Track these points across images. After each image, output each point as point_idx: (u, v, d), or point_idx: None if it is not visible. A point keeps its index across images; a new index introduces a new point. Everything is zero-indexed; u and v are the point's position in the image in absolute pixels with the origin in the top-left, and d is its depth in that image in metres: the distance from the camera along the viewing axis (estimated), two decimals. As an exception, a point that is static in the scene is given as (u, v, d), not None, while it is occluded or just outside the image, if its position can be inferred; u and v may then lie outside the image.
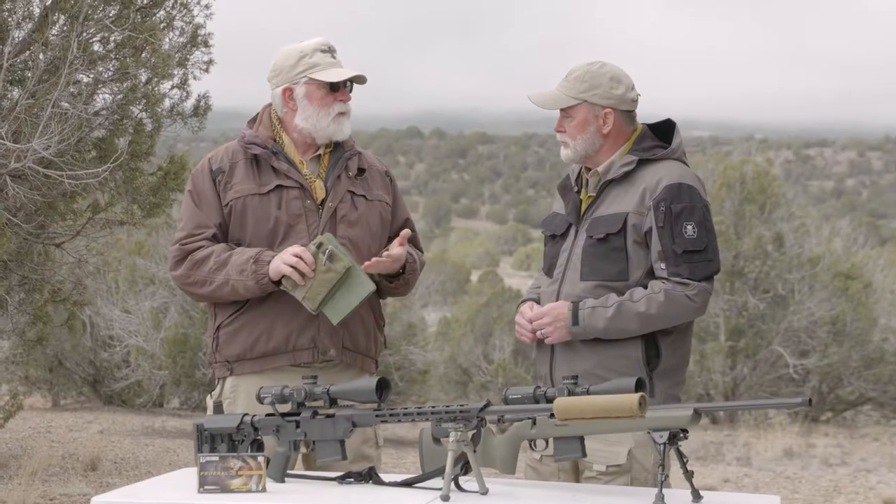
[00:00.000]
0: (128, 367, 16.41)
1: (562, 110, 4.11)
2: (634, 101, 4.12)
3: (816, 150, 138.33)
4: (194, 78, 8.12)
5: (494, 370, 17.87)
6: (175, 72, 7.89)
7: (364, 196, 4.32)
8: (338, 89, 4.28)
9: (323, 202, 4.25)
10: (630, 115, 4.13)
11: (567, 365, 3.98)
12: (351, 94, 4.34)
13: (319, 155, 4.33)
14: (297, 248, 4.08)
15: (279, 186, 4.23)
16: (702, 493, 3.28)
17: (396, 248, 4.21)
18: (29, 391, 18.33)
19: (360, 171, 4.35)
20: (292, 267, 4.04)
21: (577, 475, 3.99)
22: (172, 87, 8.04)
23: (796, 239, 18.16)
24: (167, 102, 8.06)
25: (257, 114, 4.40)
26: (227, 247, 4.19)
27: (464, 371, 19.93)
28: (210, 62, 8.18)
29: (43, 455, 11.02)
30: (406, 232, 4.27)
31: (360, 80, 4.34)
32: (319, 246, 4.07)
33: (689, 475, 3.27)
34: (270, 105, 4.38)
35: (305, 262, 4.04)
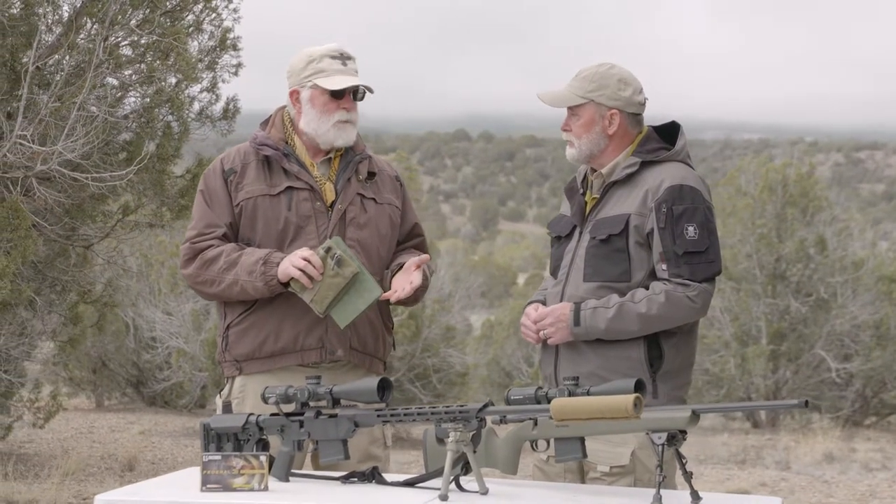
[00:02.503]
0: (169, 369, 16.53)
1: (569, 109, 4.14)
2: (641, 104, 4.14)
3: (867, 153, 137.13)
4: (223, 81, 8.19)
5: (535, 373, 17.87)
6: (204, 75, 7.96)
7: (374, 199, 4.36)
8: (341, 97, 4.29)
9: (332, 204, 4.29)
10: (636, 117, 4.15)
11: (570, 366, 4.00)
12: (357, 103, 4.34)
13: (330, 158, 4.36)
14: (305, 252, 4.10)
15: (289, 188, 4.26)
16: (701, 494, 3.29)
17: (416, 277, 4.22)
18: (74, 392, 18.53)
19: (371, 174, 4.38)
20: (301, 270, 4.07)
21: (583, 476, 4.00)
22: (202, 91, 8.12)
23: (839, 242, 18.05)
24: (196, 105, 8.14)
25: (270, 115, 4.44)
26: (237, 247, 4.23)
27: (506, 374, 19.94)
28: (239, 65, 8.25)
29: (82, 455, 11.13)
30: (426, 257, 4.29)
31: (364, 90, 4.34)
32: (328, 250, 4.09)
33: (688, 476, 3.28)
34: (284, 107, 4.42)
35: (314, 266, 4.07)
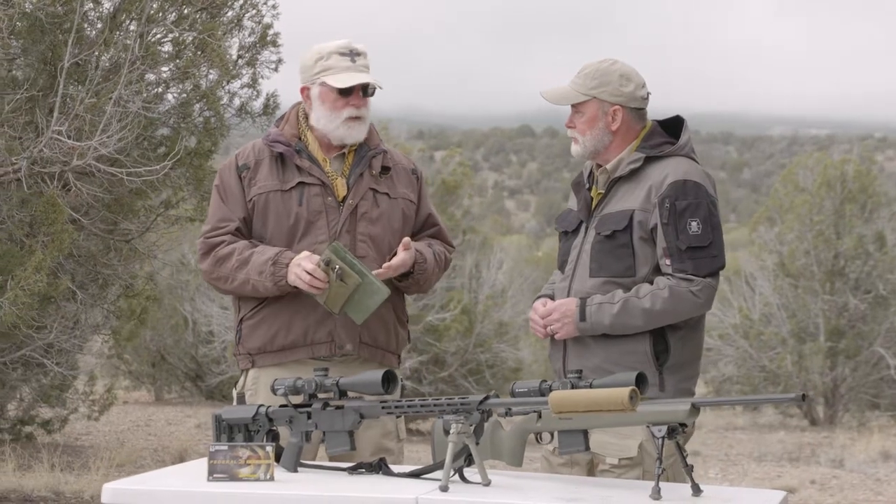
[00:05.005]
0: (225, 363, 16.69)
1: (573, 106, 4.17)
2: (644, 99, 4.17)
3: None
4: (263, 77, 8.30)
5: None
6: (244, 71, 8.06)
7: (387, 194, 4.39)
8: (350, 94, 4.32)
9: (345, 199, 4.32)
10: (640, 112, 4.17)
11: (578, 360, 4.04)
12: (368, 99, 4.36)
13: (344, 153, 4.41)
14: (308, 264, 4.13)
15: (301, 183, 4.31)
16: (702, 487, 3.30)
17: (397, 258, 4.27)
18: (135, 386, 18.77)
19: (385, 169, 4.42)
20: (308, 283, 4.13)
21: (589, 467, 4.04)
22: (242, 87, 8.23)
23: (899, 238, 17.89)
24: (237, 101, 8.25)
25: (286, 112, 4.50)
26: (249, 244, 4.28)
27: (564, 369, 19.89)
28: (279, 61, 8.35)
29: (136, 447, 11.28)
30: (406, 240, 4.31)
31: (371, 87, 4.35)
32: (328, 263, 4.12)
33: (688, 469, 3.29)
34: (299, 103, 4.47)
35: (318, 279, 4.12)
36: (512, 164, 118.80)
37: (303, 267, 4.13)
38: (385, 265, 4.26)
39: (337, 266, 4.11)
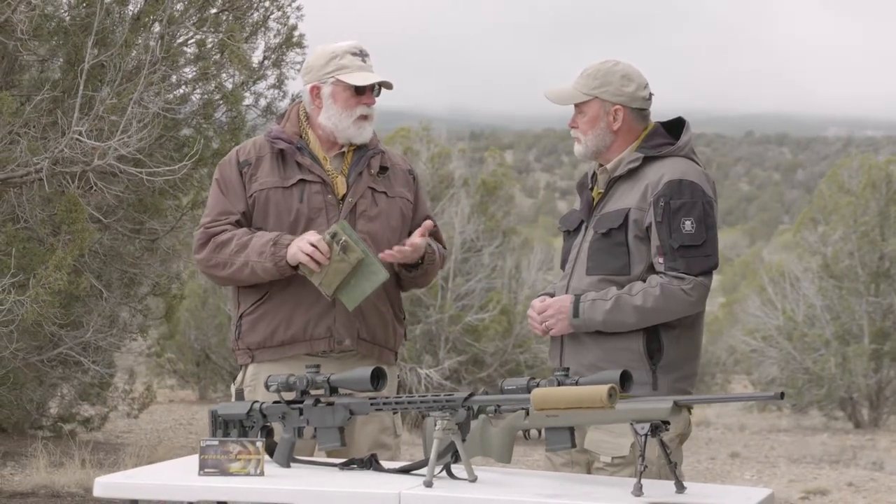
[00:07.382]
0: (268, 362, 16.75)
1: (575, 106, 4.21)
2: (646, 100, 4.20)
3: None
4: (290, 78, 8.38)
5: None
6: (269, 72, 8.15)
7: (385, 193, 4.45)
8: (363, 93, 4.40)
9: (344, 197, 4.38)
10: (642, 112, 4.20)
11: (574, 357, 4.08)
12: (376, 99, 4.45)
13: (344, 152, 4.47)
14: (313, 237, 4.20)
15: (302, 181, 4.37)
16: (686, 484, 3.31)
17: (417, 238, 4.33)
18: (181, 385, 18.91)
19: (383, 168, 4.48)
20: (309, 255, 4.17)
21: (588, 466, 4.06)
22: (269, 87, 8.32)
23: (945, 239, 17.72)
24: (262, 102, 8.34)
25: (286, 111, 4.56)
26: (249, 231, 4.34)
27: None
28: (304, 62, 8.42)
29: (174, 445, 11.38)
30: (428, 223, 4.40)
31: (386, 85, 4.45)
32: (334, 236, 4.19)
33: (671, 466, 3.30)
34: (300, 102, 4.54)
35: (321, 252, 4.16)
36: (564, 164, 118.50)
37: (307, 240, 4.20)
38: (397, 248, 4.30)
39: (343, 238, 4.16)
